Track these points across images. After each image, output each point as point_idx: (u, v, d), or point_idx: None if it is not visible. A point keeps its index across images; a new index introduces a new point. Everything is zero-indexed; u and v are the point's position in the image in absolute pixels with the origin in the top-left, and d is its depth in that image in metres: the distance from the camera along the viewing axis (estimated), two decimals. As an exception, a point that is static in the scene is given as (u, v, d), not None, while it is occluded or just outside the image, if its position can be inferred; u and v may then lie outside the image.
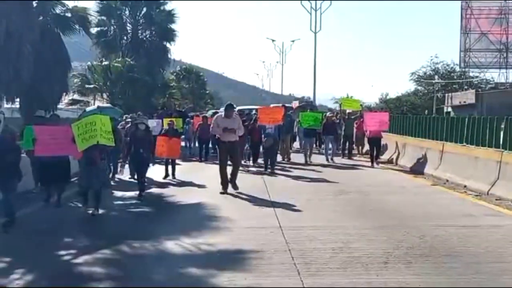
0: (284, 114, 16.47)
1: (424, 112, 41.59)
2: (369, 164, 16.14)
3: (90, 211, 8.69)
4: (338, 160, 17.60)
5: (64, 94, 19.81)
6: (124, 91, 25.90)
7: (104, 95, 26.65)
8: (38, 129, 9.73)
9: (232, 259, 6.11)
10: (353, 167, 16.09)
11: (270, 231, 7.42)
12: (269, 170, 14.35)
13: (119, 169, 13.25)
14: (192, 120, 20.33)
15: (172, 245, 6.81)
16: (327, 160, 17.13)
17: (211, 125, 11.66)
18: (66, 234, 7.62)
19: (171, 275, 5.65)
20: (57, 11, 19.12)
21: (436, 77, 49.07)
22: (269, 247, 6.54)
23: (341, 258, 6.04)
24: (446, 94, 43.44)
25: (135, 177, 11.52)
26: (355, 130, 18.29)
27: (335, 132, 17.81)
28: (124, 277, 5.64)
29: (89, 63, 27.19)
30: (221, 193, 10.77)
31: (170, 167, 13.50)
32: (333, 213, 8.81)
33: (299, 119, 18.31)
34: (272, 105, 25.96)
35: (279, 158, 16.55)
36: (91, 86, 25.93)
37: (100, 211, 8.86)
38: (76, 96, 24.57)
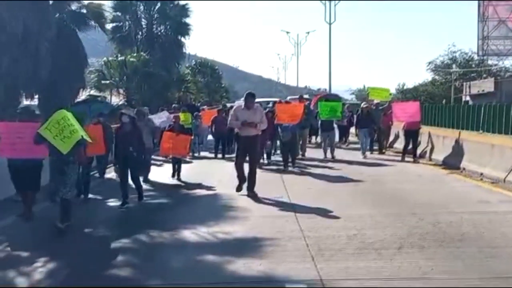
0: (304, 110, 14.83)
1: (441, 101, 41.19)
2: (398, 158, 14.85)
3: (58, 225, 7.14)
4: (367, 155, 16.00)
5: (82, 89, 20.08)
6: (140, 86, 26.11)
7: (121, 90, 26.92)
8: (3, 126, 8.37)
9: (247, 247, 6.23)
10: (380, 163, 14.45)
11: (285, 220, 7.52)
12: (289, 167, 13.16)
13: (103, 172, 12.21)
14: (200, 114, 19.02)
15: (189, 234, 6.95)
16: (363, 155, 15.58)
17: (229, 117, 10.33)
18: (85, 225, 7.80)
19: (188, 262, 5.78)
20: (73, 7, 19.37)
21: (454, 66, 48.49)
22: (284, 235, 6.65)
23: (355, 244, 6.12)
24: (464, 83, 42.93)
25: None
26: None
27: (371, 124, 16.30)
28: (143, 265, 5.78)
29: (105, 58, 27.48)
30: (237, 190, 9.74)
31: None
32: (348, 202, 8.87)
33: (318, 110, 16.73)
34: (289, 98, 25.32)
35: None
36: (107, 81, 26.21)
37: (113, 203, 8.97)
38: (93, 92, 24.86)
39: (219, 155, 16.62)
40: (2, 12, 14.48)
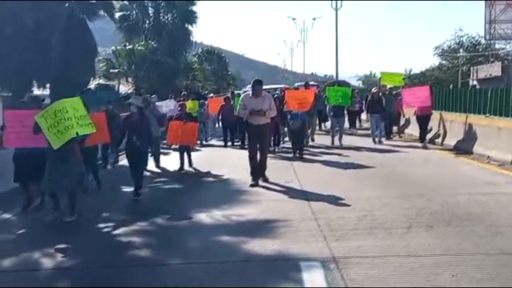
0: (315, 97, 14.59)
1: (449, 86, 41.12)
2: (408, 144, 14.77)
3: (69, 219, 7.22)
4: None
5: (92, 79, 20.32)
6: (148, 75, 26.32)
7: (129, 79, 27.15)
8: (8, 114, 8.25)
9: (261, 228, 6.45)
10: (389, 149, 14.12)
11: (296, 203, 7.74)
12: (297, 155, 12.88)
13: (110, 161, 12.18)
14: (206, 102, 18.82)
15: (204, 217, 7.19)
16: (374, 141, 15.48)
17: (238, 106, 10.16)
18: (103, 210, 8.05)
19: (205, 242, 6.02)
20: (82, -3, 19.55)
21: (461, 50, 48.26)
22: (296, 216, 6.87)
23: (365, 224, 6.33)
24: (472, 68, 42.77)
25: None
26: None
27: (382, 109, 15.90)
28: (161, 246, 6.02)
29: (113, 47, 27.67)
30: (251, 185, 9.28)
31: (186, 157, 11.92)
32: (357, 185, 9.06)
33: (326, 95, 16.35)
34: (296, 84, 25.28)
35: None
36: (116, 70, 26.43)
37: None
38: (102, 81, 25.10)
39: (229, 143, 16.71)
40: (12, 3, 14.67)
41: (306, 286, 4.41)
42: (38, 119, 6.99)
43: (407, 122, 17.88)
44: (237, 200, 8.30)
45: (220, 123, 17.88)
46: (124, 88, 27.94)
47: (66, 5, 17.82)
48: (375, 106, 15.88)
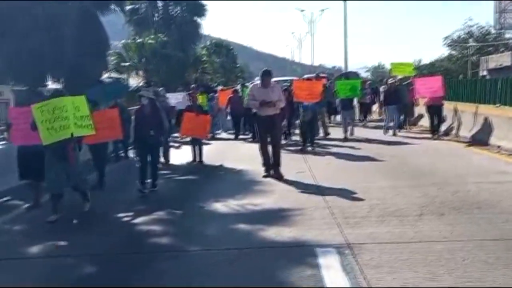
0: (324, 88, 14.47)
1: (458, 77, 40.94)
2: (421, 135, 14.64)
3: (85, 209, 7.37)
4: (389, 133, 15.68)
5: (104, 72, 20.58)
6: (158, 68, 26.50)
7: (140, 72, 27.36)
8: (12, 112, 8.20)
9: (276, 216, 6.64)
10: (401, 141, 13.97)
11: (309, 192, 7.91)
12: (308, 148, 12.91)
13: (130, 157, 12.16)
14: (216, 95, 18.82)
15: (220, 206, 7.40)
16: (385, 133, 15.44)
17: (247, 97, 10.19)
18: (122, 200, 8.28)
19: (223, 230, 6.23)
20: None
21: (471, 40, 48.03)
22: (310, 205, 7.05)
23: (377, 212, 6.50)
24: (481, 58, 42.58)
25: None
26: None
27: (399, 101, 15.71)
28: (179, 233, 6.23)
29: (123, 41, 27.89)
30: (264, 176, 9.36)
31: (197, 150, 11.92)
32: (369, 175, 9.21)
33: (336, 89, 16.24)
34: (305, 76, 25.24)
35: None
36: (127, 64, 26.64)
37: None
38: (113, 74, 25.35)
39: (240, 136, 16.79)
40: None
41: (322, 271, 4.58)
42: (35, 110, 6.78)
43: (421, 113, 17.58)
44: (251, 190, 8.49)
45: (229, 116, 17.89)
46: (135, 81, 28.15)
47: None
48: (391, 97, 15.72)
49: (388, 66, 25.49)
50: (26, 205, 7.90)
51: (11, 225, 7.20)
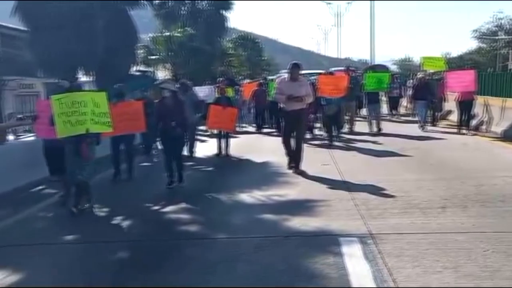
0: (348, 82, 14.09)
1: (487, 70, 40.27)
2: (452, 130, 14.42)
3: (86, 205, 7.20)
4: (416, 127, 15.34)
5: (132, 65, 20.99)
6: (185, 61, 26.79)
7: (167, 65, 27.70)
8: (41, 104, 8.12)
9: (301, 207, 6.80)
10: (429, 136, 13.68)
11: (333, 184, 8.04)
12: (334, 141, 12.68)
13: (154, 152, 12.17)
14: (241, 88, 18.73)
15: (246, 197, 7.60)
16: (422, 128, 15.00)
17: (275, 91, 9.87)
18: (150, 191, 8.55)
19: (249, 219, 6.42)
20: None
21: (500, 33, 47.08)
22: (334, 197, 7.19)
23: (401, 205, 6.60)
24: (511, 51, 41.76)
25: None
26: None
27: (430, 96, 15.39)
28: (207, 222, 6.45)
29: (151, 34, 28.28)
30: (289, 167, 9.41)
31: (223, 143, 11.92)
32: (393, 168, 9.29)
33: (363, 81, 15.93)
34: (332, 69, 24.95)
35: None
36: (154, 57, 27.01)
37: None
38: (141, 67, 25.74)
39: (263, 129, 16.75)
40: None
41: (345, 259, 4.74)
42: (54, 101, 6.75)
43: (450, 108, 17.13)
44: (276, 181, 8.65)
45: (253, 109, 17.82)
46: (162, 74, 28.54)
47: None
48: (421, 92, 15.37)
49: (415, 59, 25.18)
50: (60, 194, 8.18)
51: (46, 212, 7.53)
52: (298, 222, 6.06)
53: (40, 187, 9.00)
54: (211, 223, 6.40)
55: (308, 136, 13.15)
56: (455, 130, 14.38)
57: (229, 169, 10.50)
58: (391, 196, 7.04)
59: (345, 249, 4.99)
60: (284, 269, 4.61)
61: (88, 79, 18.58)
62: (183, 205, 7.40)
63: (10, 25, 22.45)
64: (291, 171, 9.35)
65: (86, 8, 16.12)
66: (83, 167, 7.01)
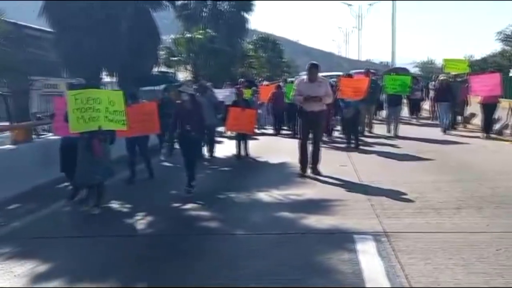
0: (369, 84, 13.85)
1: (509, 73, 39.67)
2: (473, 134, 14.11)
3: (94, 211, 7.14)
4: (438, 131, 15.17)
5: (154, 66, 21.37)
6: (206, 62, 27.11)
7: (188, 67, 28.07)
8: (59, 101, 8.04)
9: (318, 206, 6.96)
10: (450, 139, 13.51)
11: (350, 185, 8.18)
12: (352, 145, 12.50)
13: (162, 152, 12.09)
14: (258, 89, 18.43)
15: (264, 196, 7.78)
16: (444, 132, 14.81)
17: (292, 92, 9.81)
18: (170, 188, 8.80)
19: (267, 217, 6.61)
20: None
21: (526, 36, 46.36)
22: (350, 197, 7.34)
23: (416, 205, 6.72)
24: (536, 53, 41.11)
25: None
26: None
27: (452, 98, 15.09)
28: (226, 219, 6.66)
29: (172, 36, 28.69)
30: (299, 175, 9.10)
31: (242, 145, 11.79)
32: (410, 170, 9.38)
33: (384, 83, 15.87)
34: (352, 71, 24.84)
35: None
36: (176, 58, 27.39)
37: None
38: (162, 69, 26.18)
39: (281, 132, 16.59)
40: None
41: (359, 255, 4.89)
42: (70, 96, 6.89)
43: (474, 112, 16.68)
44: (294, 181, 8.80)
45: (271, 111, 17.50)
46: (183, 75, 28.91)
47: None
48: (443, 94, 15.10)
49: (437, 62, 24.92)
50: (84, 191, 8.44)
51: (72, 207, 7.78)
52: (315, 220, 6.23)
53: (66, 184, 9.29)
54: (230, 220, 6.60)
55: (326, 138, 13.25)
56: (478, 134, 14.15)
57: (247, 169, 10.69)
58: (407, 197, 7.15)
59: (359, 246, 5.14)
60: (299, 264, 4.78)
61: (110, 79, 19.00)
62: (203, 203, 7.57)
63: (34, 26, 22.99)
64: (306, 173, 9.20)
65: (111, 9, 16.49)
66: (96, 164, 7.03)
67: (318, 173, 9.05)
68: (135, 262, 5.17)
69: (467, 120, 17.06)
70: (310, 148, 9.29)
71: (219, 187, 8.60)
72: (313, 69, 9.10)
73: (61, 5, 16.88)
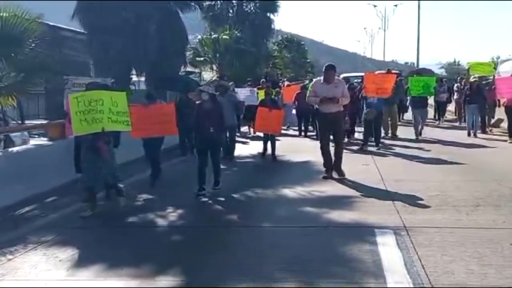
0: (395, 84, 13.56)
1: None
2: (502, 138, 13.83)
3: (122, 203, 7.31)
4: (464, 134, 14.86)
5: (182, 66, 21.88)
6: (231, 63, 27.49)
7: (214, 67, 28.50)
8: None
9: (340, 202, 7.26)
10: (479, 143, 13.25)
11: (372, 183, 8.44)
12: (375, 148, 12.38)
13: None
14: (281, 90, 18.11)
15: (288, 192, 8.11)
16: (469, 134, 14.54)
17: (308, 92, 9.60)
18: (195, 184, 9.13)
19: (291, 211, 6.94)
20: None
21: (554, 36, 45.67)
22: (372, 194, 7.62)
23: (436, 202, 6.97)
24: None
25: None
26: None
27: (481, 100, 14.81)
28: (252, 212, 7.04)
29: (199, 36, 29.18)
30: (323, 177, 8.98)
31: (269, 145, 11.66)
32: (433, 171, 9.60)
33: (408, 85, 15.51)
34: (377, 72, 24.44)
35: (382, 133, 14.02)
36: (202, 58, 27.84)
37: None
38: (189, 68, 26.66)
39: (303, 133, 16.34)
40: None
41: (379, 247, 5.19)
42: (71, 99, 6.87)
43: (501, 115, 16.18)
44: (317, 179, 9.08)
45: (295, 112, 17.04)
46: (208, 75, 29.36)
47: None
48: (473, 96, 14.76)
49: (463, 63, 24.63)
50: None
51: (103, 201, 8.20)
52: (337, 215, 6.54)
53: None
54: (256, 213, 6.98)
55: (345, 140, 12.80)
56: (505, 138, 13.84)
57: (272, 167, 10.98)
58: (427, 195, 7.38)
59: (379, 239, 5.44)
60: (321, 255, 5.09)
61: (138, 79, 19.56)
62: (229, 198, 7.93)
63: (67, 27, 23.70)
64: (331, 175, 9.09)
65: (140, 11, 17.04)
66: (104, 166, 7.00)
67: (343, 175, 8.96)
68: (165, 251, 5.56)
69: (496, 125, 16.67)
70: (332, 149, 9.17)
71: (244, 184, 8.90)
72: (330, 70, 8.98)
73: (92, 7, 17.49)
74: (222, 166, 8.72)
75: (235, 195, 8.08)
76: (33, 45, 10.11)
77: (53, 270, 4.98)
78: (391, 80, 13.28)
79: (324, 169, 9.21)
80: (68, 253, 5.46)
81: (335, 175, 9.01)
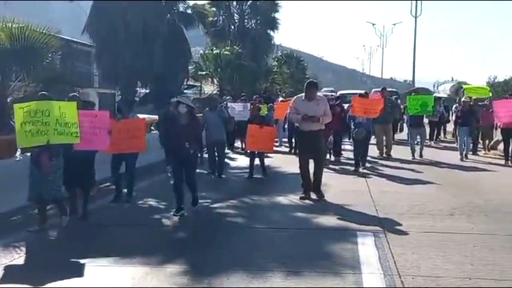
0: (384, 104, 13.19)
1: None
2: (495, 162, 13.56)
3: (63, 224, 6.90)
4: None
5: (185, 80, 22.71)
6: (232, 77, 28.31)
7: (214, 81, 29.33)
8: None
9: (329, 209, 7.99)
10: (469, 165, 13.02)
11: (360, 193, 9.20)
12: (360, 168, 11.75)
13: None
14: (274, 105, 17.10)
15: (282, 199, 8.85)
16: (462, 158, 13.89)
17: (288, 110, 9.19)
18: (199, 189, 9.85)
19: (283, 215, 7.69)
20: (181, 9, 22.04)
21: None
22: (358, 202, 8.35)
23: (415, 211, 7.74)
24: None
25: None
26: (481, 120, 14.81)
27: (473, 122, 14.37)
28: (249, 216, 7.75)
29: (201, 51, 30.08)
30: (301, 198, 8.60)
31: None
32: (416, 183, 10.36)
33: (406, 104, 15.06)
34: (373, 90, 23.29)
35: (376, 153, 14.13)
36: (203, 72, 28.68)
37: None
38: (190, 82, 27.49)
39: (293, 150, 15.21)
40: (127, 14, 17.18)
41: (359, 246, 5.92)
42: (17, 109, 6.52)
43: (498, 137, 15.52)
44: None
45: (287, 127, 15.93)
46: (209, 89, 30.18)
47: (168, 16, 20.26)
48: (465, 117, 14.30)
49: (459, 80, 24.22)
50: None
51: (116, 204, 8.85)
52: (325, 220, 7.29)
53: (107, 184, 10.46)
54: (252, 217, 7.70)
55: (333, 158, 13.13)
56: (498, 161, 13.69)
57: (267, 178, 11.40)
58: (409, 205, 8.14)
59: (360, 239, 6.18)
60: (309, 251, 5.82)
61: (144, 91, 20.37)
62: (229, 203, 8.61)
63: (73, 39, 24.55)
64: (322, 180, 9.03)
65: (149, 28, 17.91)
66: (45, 181, 6.56)
67: (322, 196, 8.55)
68: (171, 247, 6.26)
69: (493, 146, 16.08)
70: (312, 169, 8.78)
71: (240, 192, 9.49)
72: (311, 87, 8.65)
73: (101, 23, 18.36)
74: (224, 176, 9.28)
75: (233, 201, 8.78)
76: (49, 58, 10.86)
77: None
78: (379, 103, 13.05)
79: (302, 188, 8.78)
80: (89, 245, 6.18)
81: (313, 195, 8.66)
